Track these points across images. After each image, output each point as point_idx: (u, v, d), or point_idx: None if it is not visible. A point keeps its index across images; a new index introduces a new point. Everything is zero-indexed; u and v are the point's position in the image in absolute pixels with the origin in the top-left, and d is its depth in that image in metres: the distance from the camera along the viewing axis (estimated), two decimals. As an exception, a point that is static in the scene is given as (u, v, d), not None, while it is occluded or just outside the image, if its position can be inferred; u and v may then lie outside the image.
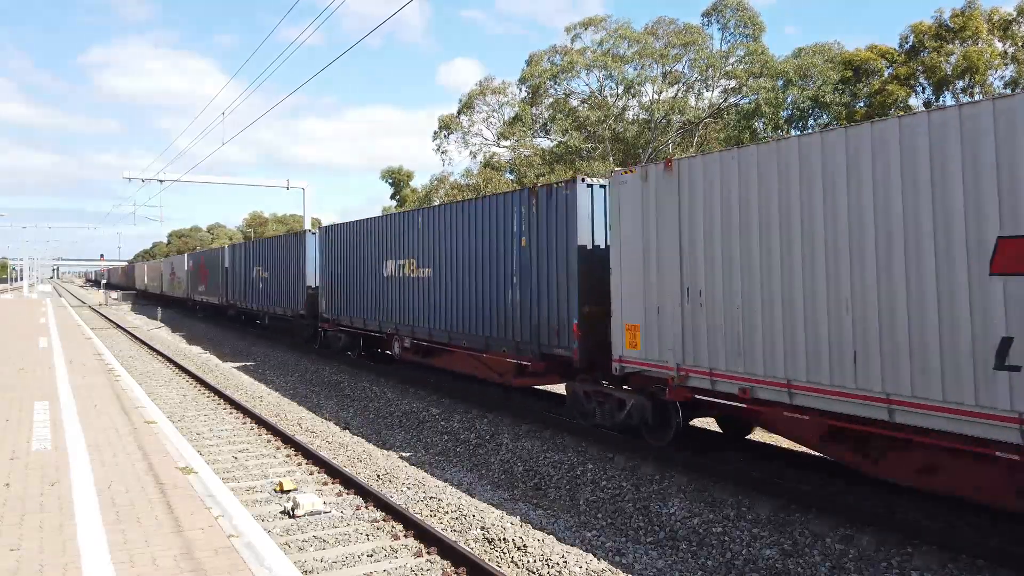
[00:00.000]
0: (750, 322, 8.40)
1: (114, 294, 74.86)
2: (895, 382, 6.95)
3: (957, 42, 29.85)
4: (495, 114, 44.82)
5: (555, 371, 12.47)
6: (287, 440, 12.01)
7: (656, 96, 41.30)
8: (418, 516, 8.25)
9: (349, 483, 9.59)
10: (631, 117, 42.69)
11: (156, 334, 33.85)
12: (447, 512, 8.57)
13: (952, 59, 29.90)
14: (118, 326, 37.77)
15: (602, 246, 11.21)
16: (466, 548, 7.31)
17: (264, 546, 5.76)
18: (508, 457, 11.28)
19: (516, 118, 43.20)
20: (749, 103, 38.46)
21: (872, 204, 7.13)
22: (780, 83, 37.26)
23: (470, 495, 9.59)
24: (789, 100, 37.41)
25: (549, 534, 8.02)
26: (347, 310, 20.00)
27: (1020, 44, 29.57)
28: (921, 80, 30.97)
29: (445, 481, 10.26)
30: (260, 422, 13.47)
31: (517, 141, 43.39)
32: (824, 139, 7.63)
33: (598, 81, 42.41)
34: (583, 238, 11.27)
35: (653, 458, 10.12)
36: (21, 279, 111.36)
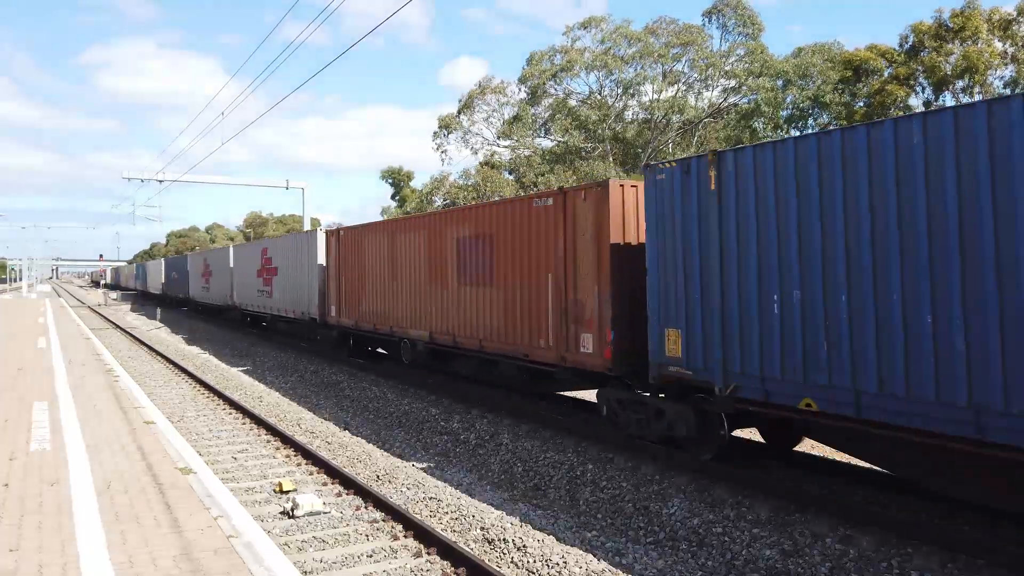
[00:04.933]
0: None
1: (113, 294, 74.68)
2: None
3: (957, 42, 29.84)
4: (495, 114, 44.85)
5: None
6: (287, 440, 12.00)
7: (656, 96, 41.31)
8: (418, 516, 8.25)
9: (349, 483, 9.58)
10: (631, 117, 42.70)
11: (155, 334, 33.83)
12: (447, 512, 8.56)
13: (952, 59, 29.89)
14: (117, 326, 37.75)
15: None
16: (466, 548, 7.30)
17: (263, 546, 5.75)
18: (508, 457, 11.27)
19: (516, 118, 43.20)
20: (749, 103, 38.46)
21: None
22: (780, 83, 37.27)
23: (470, 495, 9.58)
24: (789, 100, 37.42)
25: (549, 534, 8.01)
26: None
27: (1020, 44, 29.56)
28: (921, 80, 30.96)
29: (445, 481, 10.25)
30: (259, 422, 13.45)
31: (517, 141, 43.38)
32: None
33: (598, 81, 42.44)
34: None
35: (652, 458, 10.11)
36: (20, 279, 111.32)
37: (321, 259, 21.68)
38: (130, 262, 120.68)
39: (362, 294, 18.86)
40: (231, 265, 32.49)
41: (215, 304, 36.35)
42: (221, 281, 34.32)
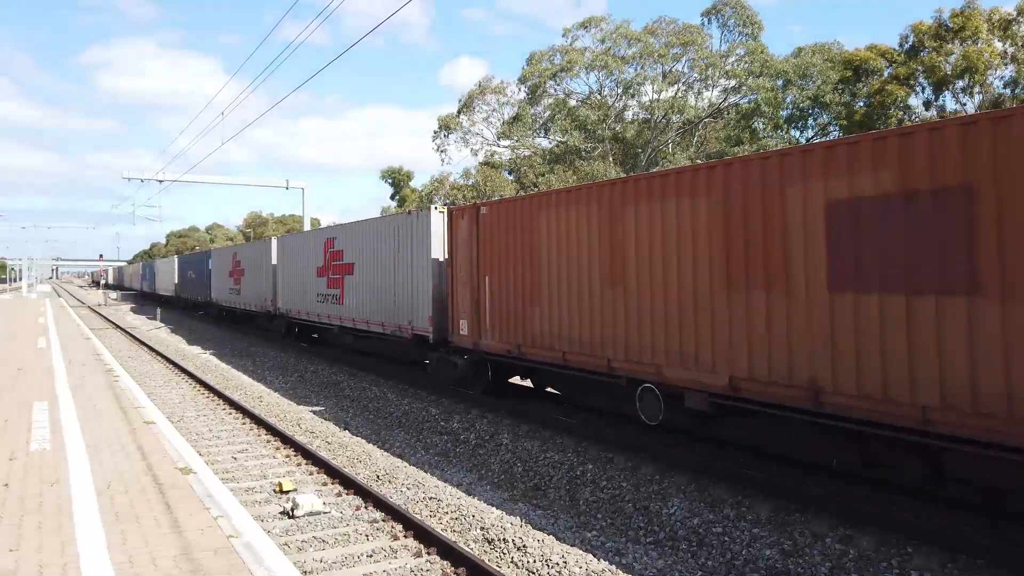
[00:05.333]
0: None
1: (113, 294, 74.64)
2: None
3: (957, 42, 29.84)
4: (495, 114, 44.86)
5: None
6: (286, 440, 12.00)
7: (656, 96, 41.32)
8: (418, 516, 8.25)
9: (349, 483, 9.58)
10: (631, 117, 42.71)
11: (155, 334, 33.82)
12: (447, 512, 8.56)
13: (952, 59, 29.90)
14: (117, 326, 37.75)
15: None
16: (466, 548, 7.30)
17: (263, 546, 5.75)
18: (508, 457, 11.27)
19: (516, 118, 43.22)
20: (749, 103, 38.46)
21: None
22: (780, 83, 37.27)
23: (470, 495, 9.58)
24: (789, 100, 37.42)
25: (549, 534, 8.01)
26: None
27: (1020, 44, 29.56)
28: (921, 80, 30.97)
29: (445, 481, 10.25)
30: (259, 422, 13.45)
31: (517, 141, 43.39)
32: None
33: (598, 81, 42.44)
34: None
35: (652, 458, 10.11)
36: (20, 279, 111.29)
37: (437, 251, 15.46)
38: (131, 262, 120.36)
39: (532, 303, 12.36)
40: (274, 262, 26.14)
41: (248, 310, 29.97)
42: (258, 282, 28.08)
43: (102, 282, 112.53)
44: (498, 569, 6.91)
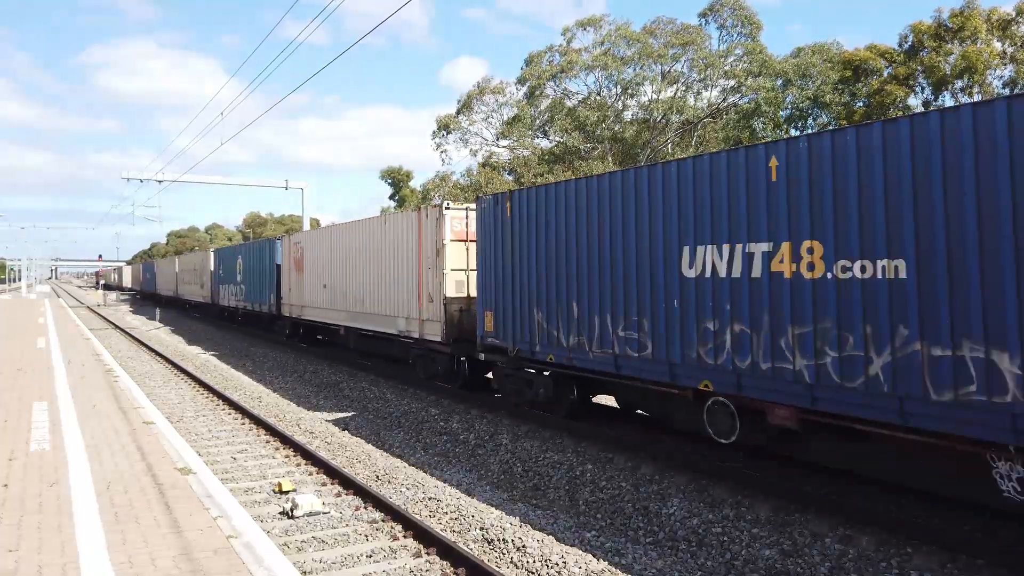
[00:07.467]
0: None
1: (112, 295, 74.58)
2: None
3: (956, 42, 29.85)
4: (494, 114, 44.85)
5: None
6: (286, 441, 11.99)
7: (655, 96, 41.32)
8: (417, 517, 8.25)
9: (348, 483, 9.58)
10: (630, 117, 42.70)
11: (155, 335, 33.81)
12: (446, 512, 8.56)
13: (951, 59, 29.90)
14: (116, 326, 37.72)
15: None
16: (465, 548, 7.30)
17: (263, 547, 5.75)
18: (507, 457, 11.27)
19: (515, 118, 43.21)
20: (748, 103, 38.45)
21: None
22: (779, 83, 37.26)
23: (469, 495, 9.57)
24: (788, 100, 37.41)
25: (548, 534, 8.01)
26: None
27: (1019, 44, 29.57)
28: (920, 80, 30.97)
29: (444, 481, 10.25)
30: (259, 423, 13.45)
31: (516, 141, 43.38)
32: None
33: (596, 81, 42.44)
34: None
35: (652, 458, 10.11)
36: (20, 279, 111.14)
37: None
38: (130, 262, 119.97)
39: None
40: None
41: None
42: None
43: (101, 283, 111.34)
44: (498, 569, 6.91)
